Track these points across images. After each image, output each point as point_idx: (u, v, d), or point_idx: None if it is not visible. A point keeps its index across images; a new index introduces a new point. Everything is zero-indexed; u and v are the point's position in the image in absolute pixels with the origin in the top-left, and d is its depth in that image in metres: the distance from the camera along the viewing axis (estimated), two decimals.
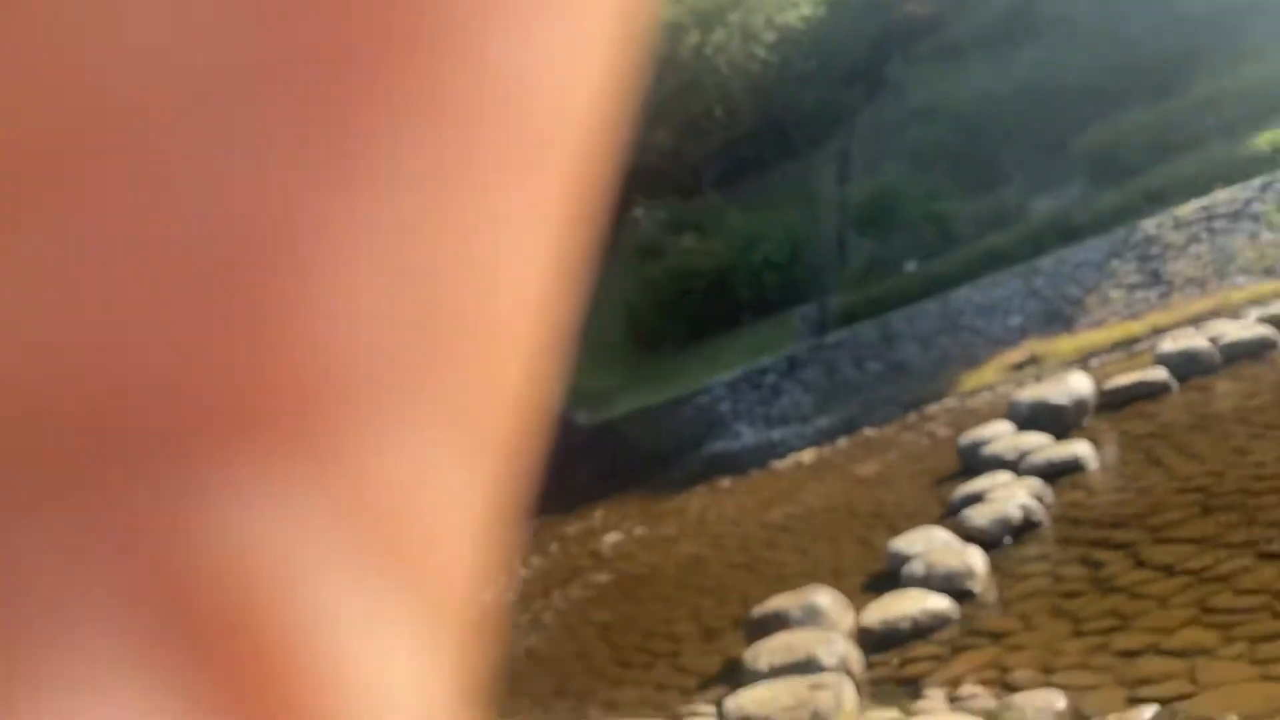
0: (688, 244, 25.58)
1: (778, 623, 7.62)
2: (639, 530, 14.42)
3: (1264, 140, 16.20)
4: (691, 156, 32.36)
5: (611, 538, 14.53)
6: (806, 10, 32.28)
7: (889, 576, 7.95)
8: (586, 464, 23.52)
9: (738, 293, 24.59)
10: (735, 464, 17.25)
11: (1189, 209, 15.64)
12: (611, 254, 31.56)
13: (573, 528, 16.87)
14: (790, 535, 10.92)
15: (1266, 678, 4.82)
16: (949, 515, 8.86)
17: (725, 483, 15.64)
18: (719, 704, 6.71)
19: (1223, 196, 15.37)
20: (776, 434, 18.88)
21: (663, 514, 15.15)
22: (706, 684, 7.60)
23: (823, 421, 17.97)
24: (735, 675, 7.20)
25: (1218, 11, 21.14)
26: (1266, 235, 14.34)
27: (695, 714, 7.07)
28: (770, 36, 31.55)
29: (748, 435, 19.90)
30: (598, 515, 17.13)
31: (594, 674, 8.81)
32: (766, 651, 7.14)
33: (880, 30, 33.80)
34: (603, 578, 12.29)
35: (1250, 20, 20.77)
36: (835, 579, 8.44)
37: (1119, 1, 22.34)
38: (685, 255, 25.28)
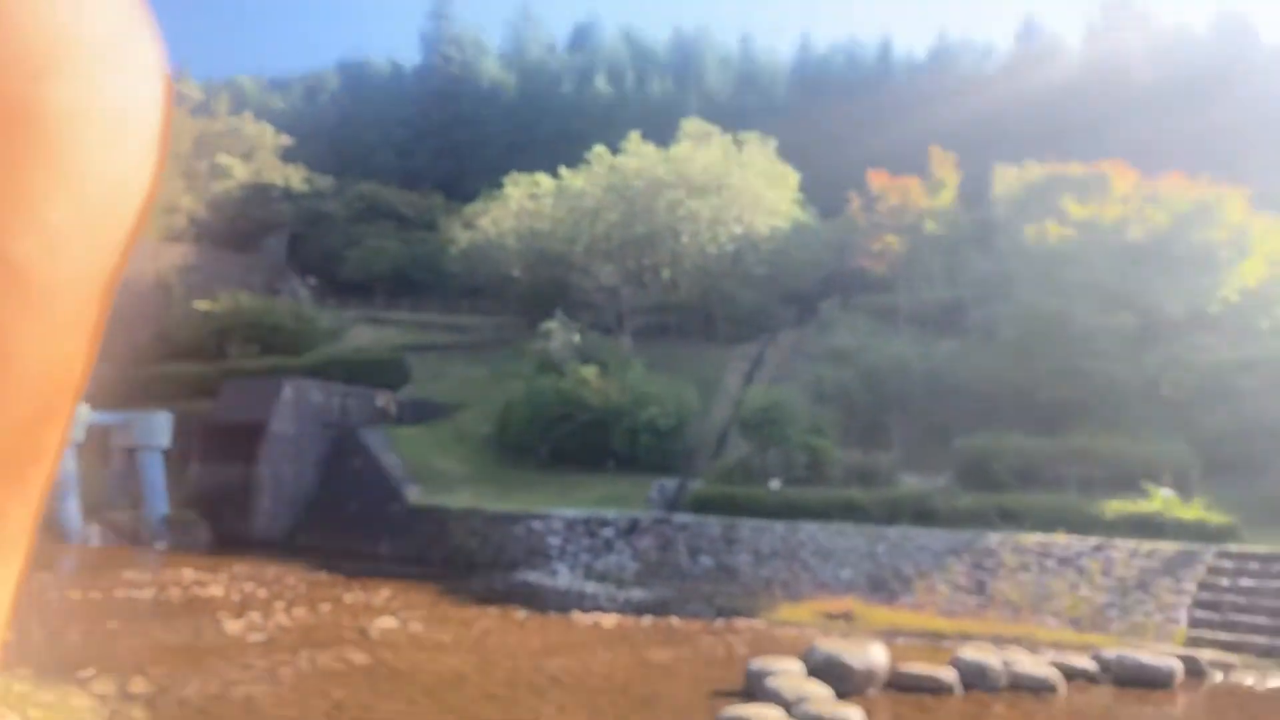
0: (587, 376, 25.83)
1: None
2: (416, 626, 13.77)
3: (1111, 507, 17.53)
4: (624, 301, 33.19)
5: (385, 622, 13.81)
6: (777, 223, 34.20)
7: None
8: (396, 541, 22.66)
9: (613, 440, 24.75)
10: (540, 600, 16.83)
11: (1031, 539, 16.61)
12: (516, 353, 31.52)
13: (353, 596, 16.01)
14: (559, 690, 10.58)
15: None
16: None
17: (521, 614, 15.18)
18: None
19: (1061, 541, 16.40)
20: (591, 587, 18.59)
21: (447, 619, 14.54)
22: None
23: (638, 593, 17.82)
24: None
25: (1114, 381, 23.24)
26: (1084, 590, 15.26)
27: None
28: (737, 229, 33.19)
29: (564, 577, 19.54)
30: (383, 594, 16.34)
31: None
32: None
33: (832, 269, 36.00)
34: (359, 658, 11.60)
35: (1137, 401, 22.87)
36: None
37: (1040, 335, 24.32)
38: (580, 386, 25.47)
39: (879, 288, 33.93)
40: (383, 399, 28.90)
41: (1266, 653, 13.19)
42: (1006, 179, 31.85)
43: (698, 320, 35.49)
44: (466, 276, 39.83)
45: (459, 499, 22.85)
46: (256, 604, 14.98)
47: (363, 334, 38.75)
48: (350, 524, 23.23)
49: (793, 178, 35.73)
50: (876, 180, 33.28)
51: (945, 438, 22.87)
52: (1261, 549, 15.42)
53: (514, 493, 23.16)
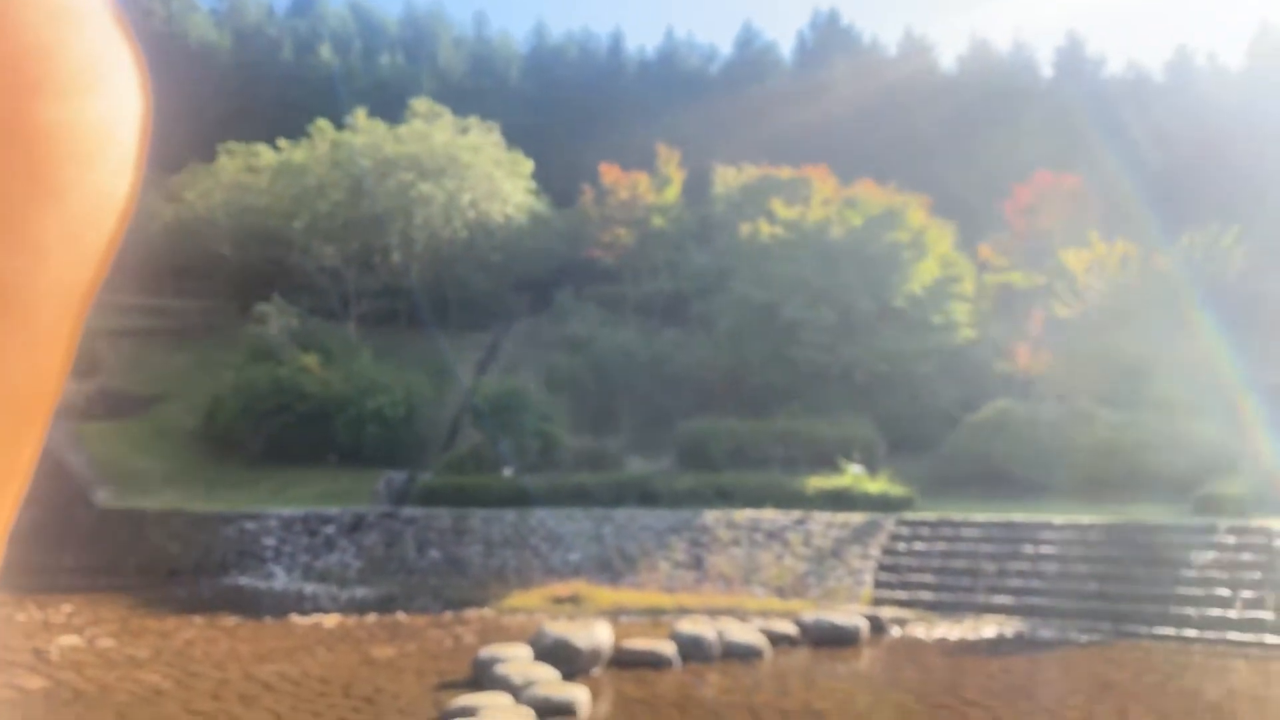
0: (308, 363, 24.37)
1: None
2: (105, 642, 12.38)
3: (812, 483, 19.25)
4: (349, 284, 31.69)
5: (68, 640, 12.29)
6: (511, 211, 34.14)
7: None
8: (83, 551, 20.20)
9: (337, 432, 23.53)
10: (252, 605, 15.72)
11: (743, 515, 17.85)
12: (222, 338, 29.15)
13: (26, 615, 14.11)
14: (272, 697, 9.96)
15: None
16: None
17: (231, 621, 14.10)
18: None
19: (768, 516, 17.78)
20: (310, 588, 17.64)
21: (143, 632, 13.20)
22: None
23: (362, 592, 17.15)
24: None
25: (816, 369, 25.54)
26: (788, 560, 16.64)
27: None
28: (471, 215, 32.74)
29: (280, 579, 18.38)
30: (65, 610, 14.52)
31: None
32: None
33: (565, 259, 36.56)
34: (33, 682, 10.25)
35: (834, 386, 25.29)
36: None
37: (752, 326, 26.17)
38: (299, 374, 23.97)
39: (609, 278, 34.93)
40: (67, 391, 25.66)
41: (933, 607, 15.09)
42: (726, 179, 33.92)
43: (429, 307, 34.69)
44: (170, 255, 36.23)
45: (158, 500, 20.82)
46: None
47: None
48: (25, 534, 20.37)
49: (526, 165, 35.78)
50: (608, 174, 34.20)
51: (668, 422, 24.03)
52: (931, 516, 17.60)
53: (223, 492, 21.47)
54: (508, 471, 21.09)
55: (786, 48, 61.26)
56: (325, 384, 23.82)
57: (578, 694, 9.63)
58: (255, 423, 23.71)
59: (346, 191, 31.42)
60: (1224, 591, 14.08)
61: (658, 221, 34.01)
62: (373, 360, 26.23)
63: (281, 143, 33.97)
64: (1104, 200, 30.59)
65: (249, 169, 34.76)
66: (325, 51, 56.65)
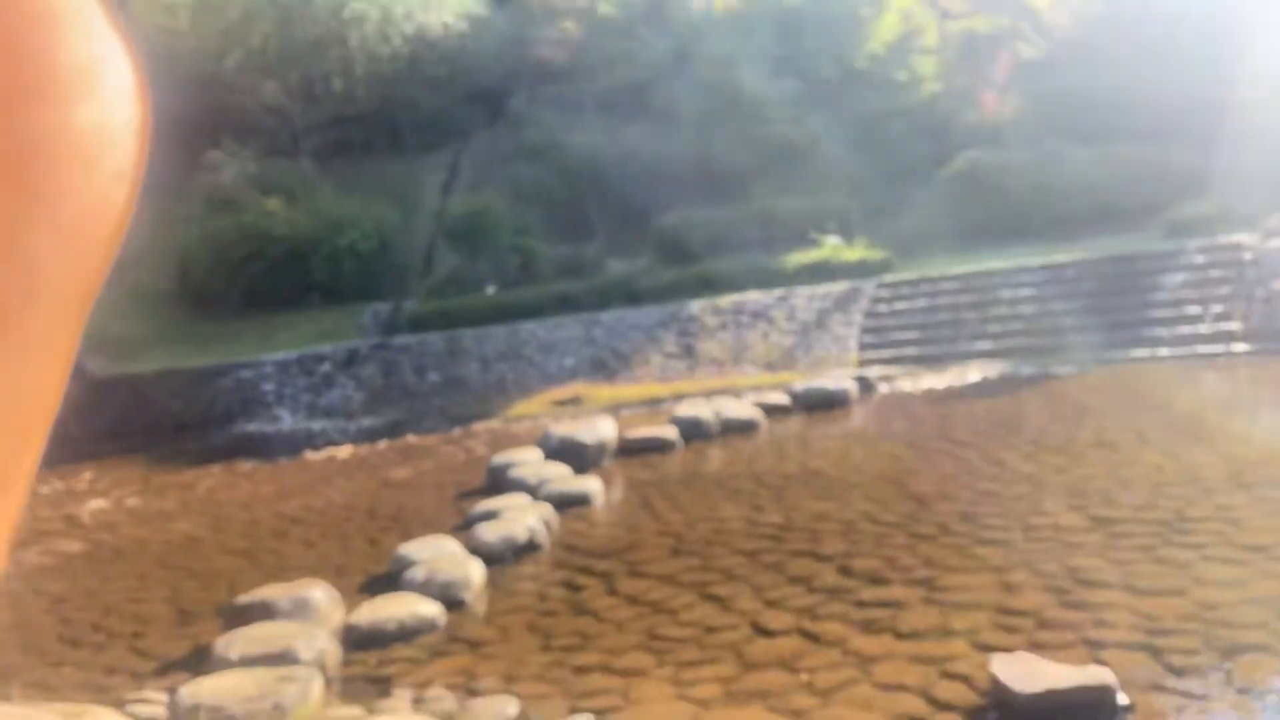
0: (271, 207, 23.84)
1: (262, 612, 7.25)
2: (132, 501, 12.88)
3: (791, 260, 19.43)
4: (296, 119, 30.42)
5: (95, 504, 12.79)
6: (449, 19, 32.25)
7: (390, 579, 7.97)
8: (88, 419, 20.50)
9: (313, 272, 23.37)
10: (265, 448, 16.23)
11: (727, 301, 18.15)
12: (178, 194, 28.33)
13: (49, 487, 14.58)
14: (302, 528, 10.49)
15: (682, 698, 5.62)
16: (463, 528, 9.16)
17: (247, 466, 14.61)
18: (173, 691, 6.16)
19: (752, 297, 18.07)
20: (318, 425, 18.15)
21: (165, 487, 13.71)
22: (167, 669, 6.95)
23: (369, 421, 17.66)
24: (202, 662, 6.68)
25: (784, 144, 25.11)
26: (774, 337, 17.08)
27: (143, 700, 6.41)
28: (409, 28, 30.98)
29: (287, 421, 18.86)
30: (86, 477, 15.01)
31: (29, 650, 7.63)
32: (242, 640, 6.73)
33: (514, 63, 34.92)
34: (72, 546, 10.75)
35: (804, 159, 24.97)
36: (337, 576, 8.26)
37: (715, 109, 25.48)
38: (265, 218, 23.52)
39: (562, 78, 33.54)
40: None
41: (917, 360, 15.65)
42: None
43: (383, 133, 33.42)
44: None
45: (151, 362, 20.98)
46: None
47: None
48: None
49: None
50: None
51: (643, 220, 23.88)
52: (910, 275, 17.90)
53: (211, 346, 21.58)
54: (490, 289, 21.17)
55: None
56: (292, 225, 23.43)
57: (591, 484, 10.17)
58: (229, 274, 23.50)
59: (274, 22, 29.55)
60: (1194, 309, 14.60)
61: (605, 9, 32.27)
62: (336, 195, 25.66)
63: None
64: None
65: (164, 8, 32.48)
66: None
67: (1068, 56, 24.65)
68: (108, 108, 0.33)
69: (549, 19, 32.52)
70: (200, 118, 32.59)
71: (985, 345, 15.59)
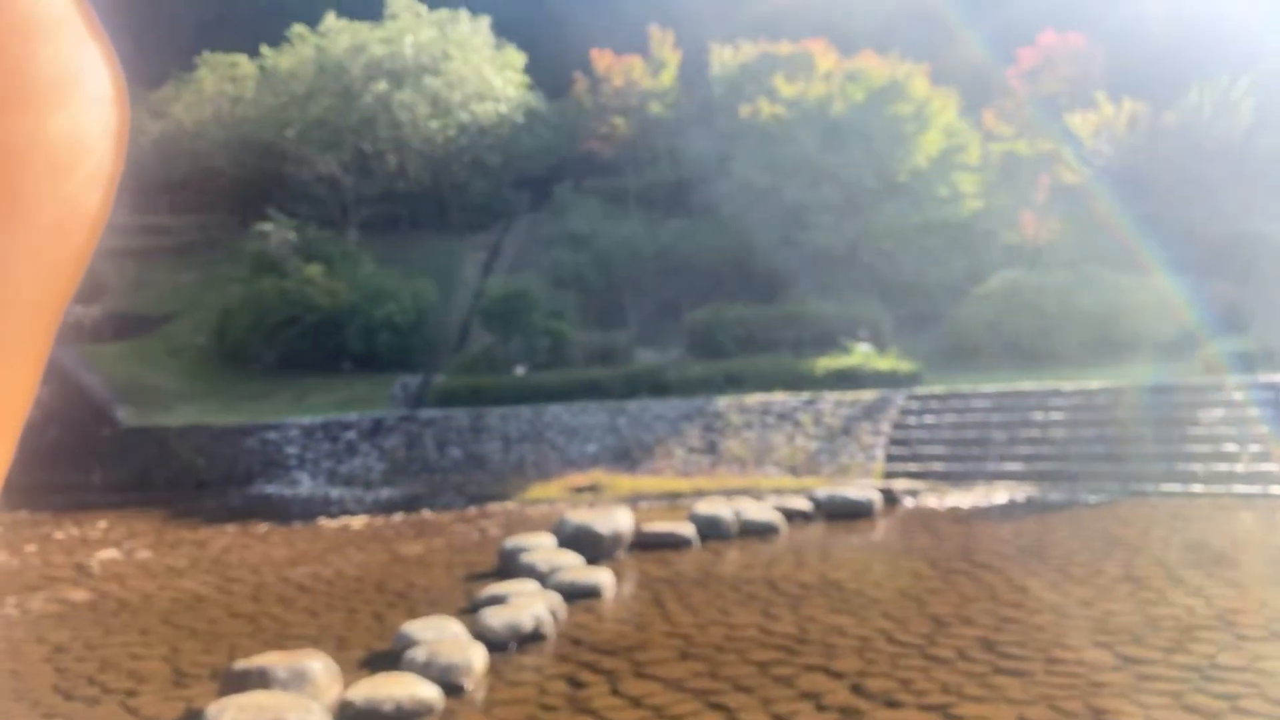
0: (313, 274, 24.37)
1: (259, 680, 7.10)
2: (144, 554, 12.83)
3: (821, 364, 19.42)
4: (348, 191, 31.33)
5: (107, 554, 12.75)
6: (505, 109, 33.36)
7: (392, 657, 7.81)
8: (110, 468, 20.70)
9: (348, 341, 23.74)
10: (281, 511, 16.19)
11: (754, 399, 18.09)
12: (229, 254, 29.06)
13: (65, 533, 14.59)
14: (309, 596, 10.36)
15: None
16: (469, 611, 8.99)
17: (262, 528, 14.55)
18: None
19: (779, 398, 18.00)
20: (336, 492, 18.13)
21: (179, 542, 13.66)
22: None
23: (387, 492, 17.62)
24: None
25: (821, 250, 25.38)
26: (799, 440, 16.93)
27: None
28: (464, 116, 32.04)
29: (306, 485, 18.87)
30: (101, 525, 15.02)
31: (22, 698, 7.51)
32: (234, 708, 6.58)
33: (563, 153, 35.91)
34: (78, 595, 10.68)
35: (840, 266, 25.18)
36: (338, 648, 8.11)
37: (755, 210, 25.90)
38: (306, 285, 24.02)
39: (608, 170, 34.36)
40: (75, 314, 25.82)
41: (944, 477, 15.41)
42: (723, 58, 32.88)
43: (430, 210, 34.29)
44: (162, 171, 35.76)
45: (179, 416, 21.18)
46: None
47: None
48: (52, 455, 20.91)
49: (517, 59, 34.78)
50: (601, 60, 33.21)
51: (676, 313, 24.08)
52: (939, 389, 17.78)
53: (241, 404, 21.80)
54: (519, 370, 21.30)
55: None
56: (332, 294, 23.88)
57: (602, 577, 9.98)
58: (266, 336, 23.90)
59: (335, 96, 30.76)
60: (1231, 447, 14.31)
61: (655, 108, 33.21)
62: (377, 267, 26.21)
63: (265, 50, 33.08)
64: (1110, 59, 29.66)
65: (230, 79, 33.97)
66: None
67: (1109, 184, 24.90)
68: (84, 115, 0.33)
69: (600, 114, 33.51)
70: (255, 182, 33.73)
71: (1014, 466, 15.33)
